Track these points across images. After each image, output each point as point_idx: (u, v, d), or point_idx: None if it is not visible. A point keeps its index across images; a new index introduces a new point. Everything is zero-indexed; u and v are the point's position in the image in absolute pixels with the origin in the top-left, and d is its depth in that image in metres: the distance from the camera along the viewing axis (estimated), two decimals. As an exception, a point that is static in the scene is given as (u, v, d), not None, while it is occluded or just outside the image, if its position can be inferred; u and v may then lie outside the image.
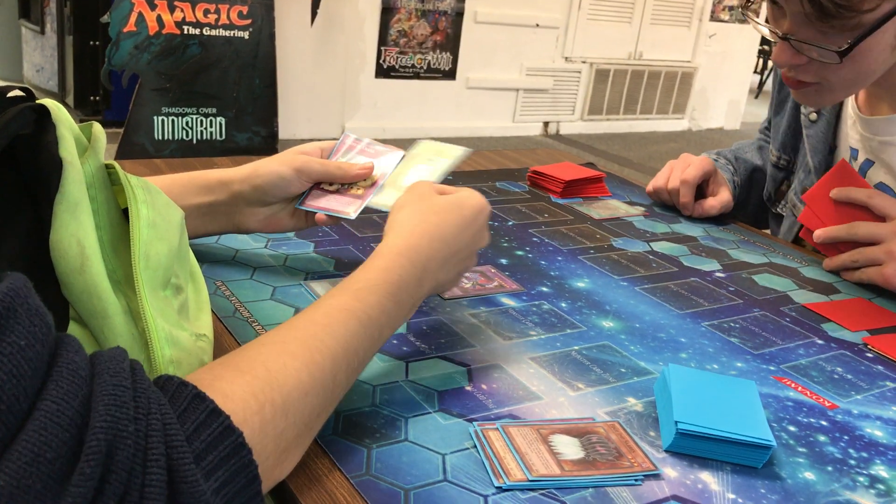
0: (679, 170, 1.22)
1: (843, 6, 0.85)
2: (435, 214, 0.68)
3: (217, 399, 0.45)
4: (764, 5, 1.00)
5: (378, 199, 0.83)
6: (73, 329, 0.51)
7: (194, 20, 3.69)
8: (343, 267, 0.88)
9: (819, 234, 1.04)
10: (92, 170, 0.55)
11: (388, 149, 0.89)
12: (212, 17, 3.79)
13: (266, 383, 0.49)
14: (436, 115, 5.01)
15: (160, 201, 0.60)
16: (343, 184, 0.85)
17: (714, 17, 6.02)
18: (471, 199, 0.71)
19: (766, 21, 0.97)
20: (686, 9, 5.89)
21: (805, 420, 0.69)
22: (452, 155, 0.87)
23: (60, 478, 0.36)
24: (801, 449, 0.65)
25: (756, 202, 1.35)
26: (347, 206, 0.83)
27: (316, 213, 0.83)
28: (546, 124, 5.58)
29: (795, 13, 0.90)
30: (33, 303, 0.39)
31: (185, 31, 3.70)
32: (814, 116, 1.17)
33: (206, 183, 0.82)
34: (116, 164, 0.59)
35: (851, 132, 1.12)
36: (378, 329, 0.59)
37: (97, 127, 0.59)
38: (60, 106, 0.56)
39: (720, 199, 1.22)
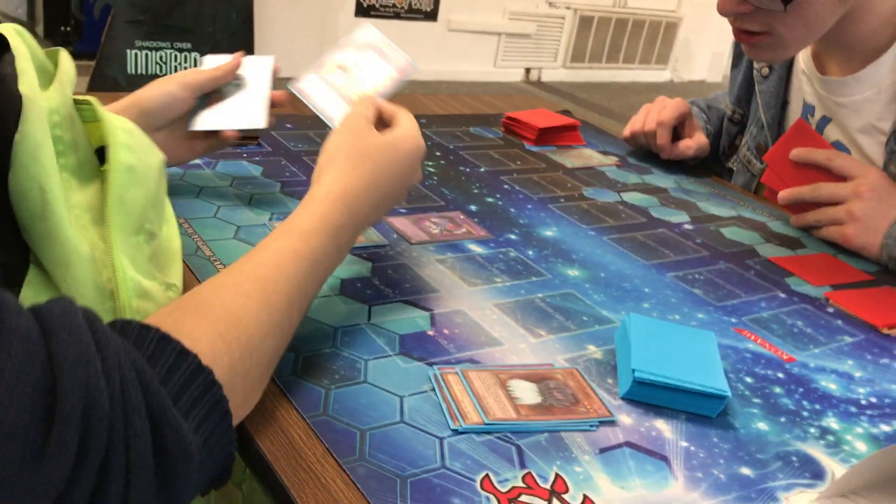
0: (655, 112, 1.22)
1: None
2: (370, 158, 0.66)
3: (185, 341, 0.44)
4: None
5: (325, 108, 0.79)
6: (34, 274, 0.49)
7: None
8: (310, 208, 0.87)
9: (783, 195, 1.04)
10: (57, 106, 0.51)
11: (255, 58, 0.87)
12: (187, -52, 3.68)
13: (229, 324, 0.49)
14: (416, 56, 4.85)
15: (141, 143, 0.58)
16: (222, 92, 0.84)
17: (701, -33, 5.95)
18: (407, 140, 0.69)
19: None
20: (673, -43, 5.82)
21: (762, 372, 0.70)
22: (400, 70, 0.82)
23: (36, 448, 0.34)
24: (755, 400, 0.66)
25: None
26: (252, 117, 0.82)
27: (214, 132, 0.83)
28: (528, 70, 5.52)
29: None
30: None
31: (160, -38, 3.59)
32: (766, 71, 1.17)
33: None
34: (94, 101, 0.56)
35: (807, 88, 1.12)
36: (323, 270, 0.59)
37: (64, 55, 0.55)
38: (23, 31, 0.52)
39: (696, 140, 1.22)
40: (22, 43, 0.51)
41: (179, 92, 0.79)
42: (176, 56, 3.80)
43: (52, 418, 0.35)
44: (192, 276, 0.70)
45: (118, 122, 0.56)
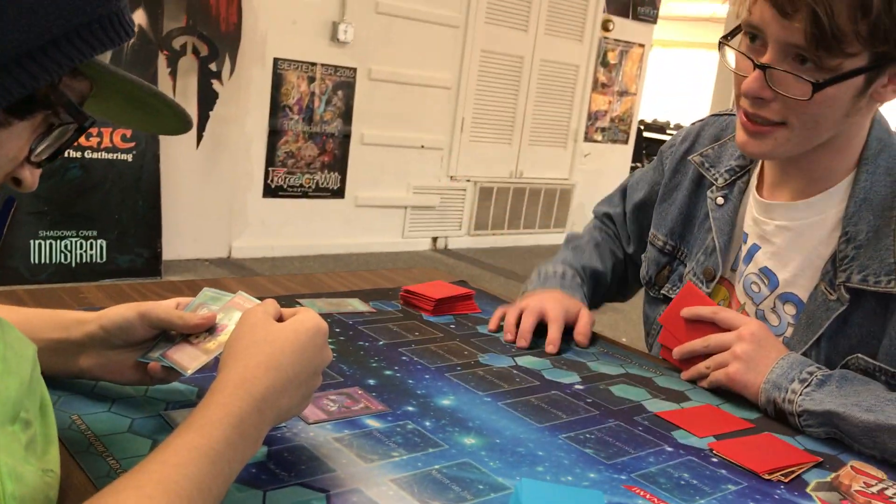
0: (521, 313, 1.23)
1: (839, 36, 0.92)
2: (269, 344, 0.68)
3: None
4: (737, 39, 1.05)
5: (180, 360, 0.78)
6: None
7: (75, 144, 3.66)
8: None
9: (677, 351, 1.12)
10: None
11: (249, 301, 0.82)
12: (94, 141, 3.76)
13: None
14: (325, 232, 5.06)
15: (11, 336, 0.60)
16: (190, 336, 0.80)
17: (588, 138, 6.40)
18: (306, 322, 0.71)
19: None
20: (561, 131, 6.25)
21: (651, 527, 0.72)
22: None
23: None
24: (645, 555, 0.68)
25: (599, 301, 1.45)
26: (188, 360, 0.77)
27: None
28: (435, 239, 5.71)
29: (781, 41, 0.96)
30: None
31: (66, 154, 3.65)
32: (720, 201, 1.22)
33: (62, 320, 0.81)
34: None
35: (747, 217, 1.20)
36: (227, 463, 0.59)
37: None
38: None
39: (584, 324, 1.25)
40: None
41: (136, 321, 0.79)
42: (82, 244, 3.79)
43: None
44: (83, 475, 0.69)
45: None
